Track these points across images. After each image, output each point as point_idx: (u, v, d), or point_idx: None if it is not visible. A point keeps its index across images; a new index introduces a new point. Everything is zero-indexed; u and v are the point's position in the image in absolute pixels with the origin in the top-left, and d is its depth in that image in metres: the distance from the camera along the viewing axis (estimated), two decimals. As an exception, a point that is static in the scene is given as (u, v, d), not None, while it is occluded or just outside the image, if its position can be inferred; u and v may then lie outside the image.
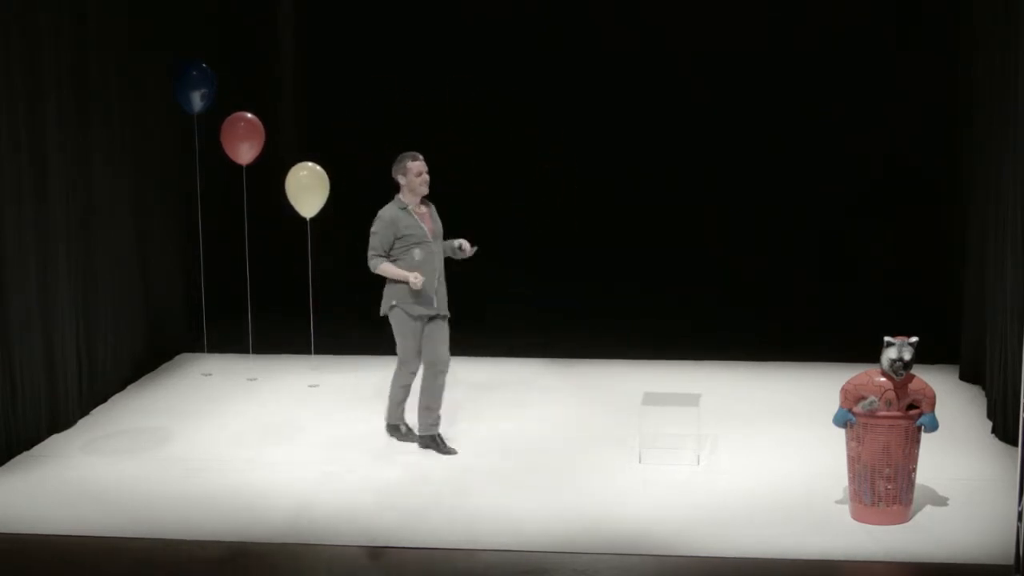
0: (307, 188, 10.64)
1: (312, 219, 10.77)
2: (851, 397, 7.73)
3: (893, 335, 7.70)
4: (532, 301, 13.28)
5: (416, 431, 9.16)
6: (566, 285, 13.71)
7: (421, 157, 9.03)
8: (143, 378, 10.96)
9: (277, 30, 14.47)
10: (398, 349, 9.07)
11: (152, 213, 11.11)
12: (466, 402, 10.25)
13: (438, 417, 9.09)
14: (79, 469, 8.85)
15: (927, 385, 7.76)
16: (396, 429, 9.26)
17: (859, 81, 13.85)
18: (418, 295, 8.86)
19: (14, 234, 8.94)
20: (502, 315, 12.84)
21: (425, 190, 8.99)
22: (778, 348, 11.52)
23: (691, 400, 9.04)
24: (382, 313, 9.00)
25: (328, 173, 10.71)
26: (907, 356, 7.62)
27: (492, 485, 8.49)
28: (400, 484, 8.54)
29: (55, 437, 9.43)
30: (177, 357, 11.62)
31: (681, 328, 12.30)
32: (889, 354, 7.63)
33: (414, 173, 8.96)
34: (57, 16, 9.43)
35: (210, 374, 11.11)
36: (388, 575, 7.40)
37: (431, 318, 8.95)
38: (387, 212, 8.95)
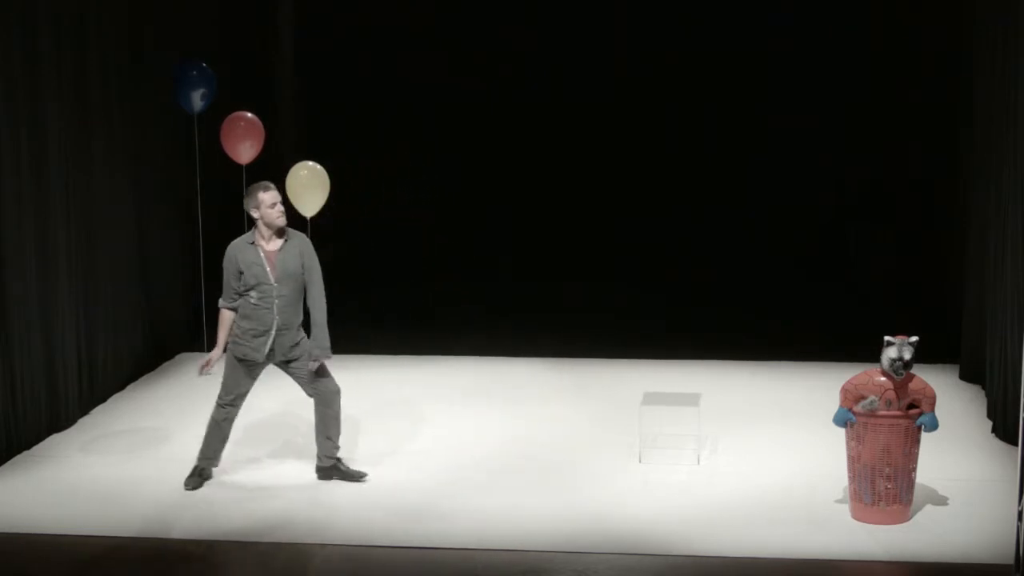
0: (307, 188, 10.64)
1: (312, 218, 10.77)
2: (851, 397, 7.73)
3: (893, 335, 7.70)
4: (532, 301, 13.28)
5: (318, 460, 8.60)
6: (566, 285, 13.72)
7: (273, 187, 8.32)
8: (143, 378, 10.96)
9: (277, 30, 14.48)
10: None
11: (152, 213, 11.11)
12: (466, 402, 10.26)
13: (336, 445, 8.55)
14: (79, 469, 8.85)
15: (927, 385, 7.76)
16: (201, 473, 8.55)
17: (859, 80, 13.86)
18: (249, 337, 8.29)
19: (14, 234, 8.95)
20: (502, 315, 12.84)
21: (282, 222, 8.28)
22: (778, 348, 11.52)
23: (691, 400, 9.04)
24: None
25: (328, 173, 10.71)
26: (907, 356, 7.62)
27: (492, 485, 8.48)
28: (399, 484, 8.53)
29: (55, 437, 9.43)
30: (177, 357, 11.62)
31: (681, 328, 12.29)
32: (889, 354, 7.63)
33: (267, 204, 8.21)
34: (57, 16, 9.44)
35: (210, 374, 11.08)
36: (387, 575, 7.40)
37: (260, 364, 8.36)
38: (231, 246, 8.35)
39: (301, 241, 8.42)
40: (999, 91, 9.42)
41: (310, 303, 8.42)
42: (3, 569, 7.33)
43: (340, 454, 8.59)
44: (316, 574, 7.42)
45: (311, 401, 10.04)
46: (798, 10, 13.87)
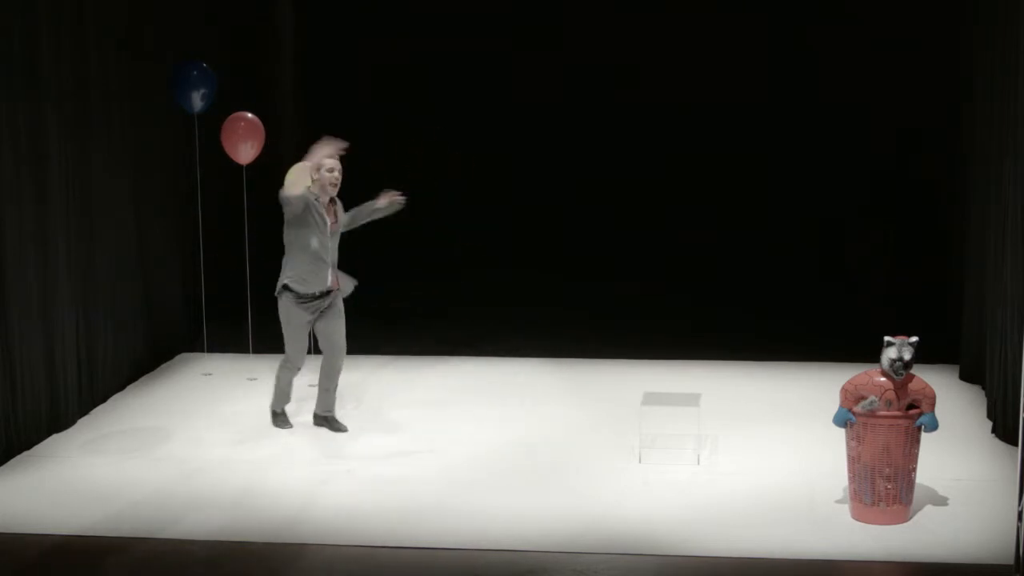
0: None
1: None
2: (851, 397, 7.73)
3: (893, 335, 7.70)
4: (532, 301, 13.28)
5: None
6: (566, 285, 13.73)
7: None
8: (143, 378, 10.96)
9: (277, 30, 14.48)
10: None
11: (152, 213, 11.11)
12: (466, 402, 10.26)
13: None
14: (79, 469, 8.85)
15: (927, 385, 7.76)
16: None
17: (859, 80, 13.87)
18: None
19: (14, 234, 8.94)
20: (502, 315, 12.84)
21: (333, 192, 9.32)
22: (778, 348, 11.52)
23: (691, 400, 9.04)
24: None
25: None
26: (907, 356, 7.62)
27: (492, 485, 8.48)
28: (400, 484, 8.53)
29: (55, 437, 9.43)
30: (177, 357, 11.62)
31: (681, 328, 12.30)
32: (889, 354, 7.63)
33: (326, 168, 9.34)
34: (57, 17, 9.43)
35: (210, 374, 11.10)
36: (388, 575, 7.40)
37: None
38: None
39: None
40: (999, 90, 9.42)
41: None
42: (3, 569, 7.33)
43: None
44: (316, 574, 7.41)
45: (312, 401, 10.05)
46: (798, 10, 13.89)
